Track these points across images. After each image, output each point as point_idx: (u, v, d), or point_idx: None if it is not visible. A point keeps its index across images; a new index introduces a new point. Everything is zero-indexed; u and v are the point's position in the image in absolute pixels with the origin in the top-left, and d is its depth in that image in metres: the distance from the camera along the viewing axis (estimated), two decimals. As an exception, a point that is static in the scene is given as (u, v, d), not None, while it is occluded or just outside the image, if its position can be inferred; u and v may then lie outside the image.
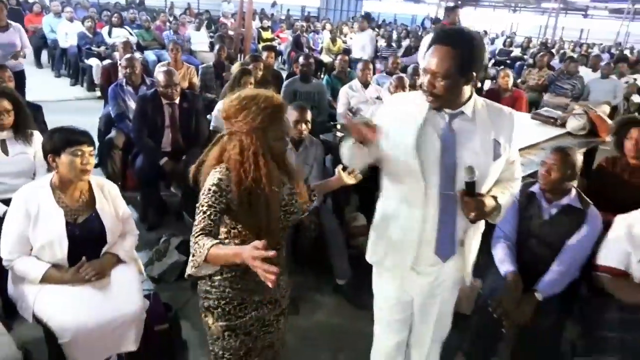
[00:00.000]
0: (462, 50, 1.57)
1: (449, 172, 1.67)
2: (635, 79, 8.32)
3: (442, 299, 1.91)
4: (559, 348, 2.36)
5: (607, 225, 2.38)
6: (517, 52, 13.55)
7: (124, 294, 2.15)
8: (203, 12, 15.78)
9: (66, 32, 8.04)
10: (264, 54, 5.48)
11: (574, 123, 3.78)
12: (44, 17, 8.97)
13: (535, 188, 2.51)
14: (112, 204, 2.26)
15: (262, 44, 9.66)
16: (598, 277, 2.29)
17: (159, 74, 3.61)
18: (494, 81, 8.62)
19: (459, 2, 31.10)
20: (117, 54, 5.97)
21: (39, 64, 9.12)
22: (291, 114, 3.02)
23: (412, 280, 1.87)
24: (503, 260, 2.38)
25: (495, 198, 1.70)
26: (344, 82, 5.35)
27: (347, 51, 9.43)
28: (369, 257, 1.96)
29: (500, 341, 2.37)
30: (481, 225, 1.86)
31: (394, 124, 1.69)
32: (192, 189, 1.72)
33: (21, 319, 2.14)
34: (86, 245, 2.15)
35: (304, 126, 3.08)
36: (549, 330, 2.24)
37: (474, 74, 1.61)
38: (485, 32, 16.93)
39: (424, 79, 1.64)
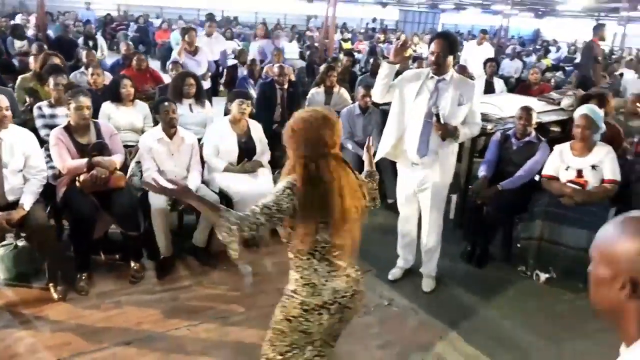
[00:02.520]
0: (447, 42, 3.19)
1: (430, 110, 3.26)
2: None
3: (431, 191, 3.38)
4: (512, 220, 3.88)
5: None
6: (579, 58, 14.44)
7: (264, 181, 3.96)
8: (291, 26, 17.99)
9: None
10: (344, 59, 7.29)
11: (566, 102, 5.20)
12: (172, 33, 11.31)
13: (510, 132, 4.07)
14: (258, 133, 4.10)
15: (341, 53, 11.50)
16: (542, 180, 3.80)
17: (275, 68, 5.47)
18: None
19: (540, 13, 31.50)
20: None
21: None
22: (360, 91, 4.77)
23: (412, 174, 3.42)
24: (482, 171, 3.96)
25: (456, 127, 3.26)
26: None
27: (415, 58, 11.03)
28: (378, 153, 3.37)
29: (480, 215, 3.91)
30: (453, 147, 3.37)
31: (407, 81, 3.30)
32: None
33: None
34: (247, 154, 4.00)
35: (367, 99, 4.80)
36: (506, 207, 3.79)
37: (452, 55, 3.22)
38: (548, 42, 17.77)
39: (430, 57, 3.23)
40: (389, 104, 4.06)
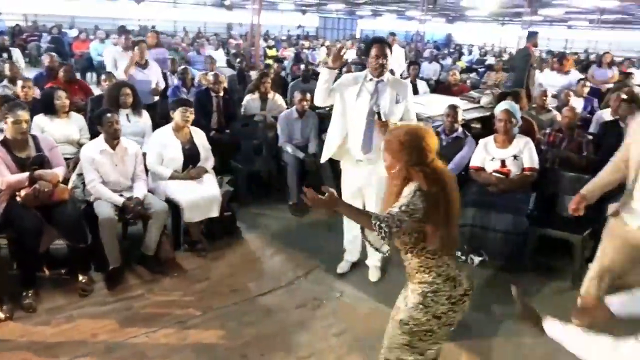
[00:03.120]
0: (386, 46, 3.42)
1: (372, 109, 3.49)
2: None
3: (375, 186, 3.65)
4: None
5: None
6: (491, 60, 15.49)
7: (211, 186, 4.03)
8: (213, 34, 17.91)
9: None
10: (275, 65, 7.44)
11: (485, 100, 5.67)
12: (91, 44, 10.96)
13: (440, 128, 4.39)
14: (202, 140, 4.15)
15: (267, 60, 11.66)
16: (470, 172, 4.14)
17: (210, 76, 5.52)
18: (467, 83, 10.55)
19: (450, 18, 33.24)
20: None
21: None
22: (296, 95, 4.95)
23: (357, 171, 3.65)
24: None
25: (395, 124, 3.50)
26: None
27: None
28: (324, 156, 3.62)
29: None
30: None
31: (346, 85, 3.50)
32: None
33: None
34: (190, 161, 4.04)
35: (304, 103, 4.98)
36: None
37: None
38: (460, 46, 18.89)
39: (373, 61, 3.43)
40: (323, 107, 4.28)
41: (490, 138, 4.13)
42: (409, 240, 2.02)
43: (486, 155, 4.08)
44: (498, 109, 4.05)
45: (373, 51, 3.39)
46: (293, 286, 3.70)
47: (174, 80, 7.04)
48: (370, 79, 3.44)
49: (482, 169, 4.08)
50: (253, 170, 5.12)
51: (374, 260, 3.80)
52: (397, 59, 7.50)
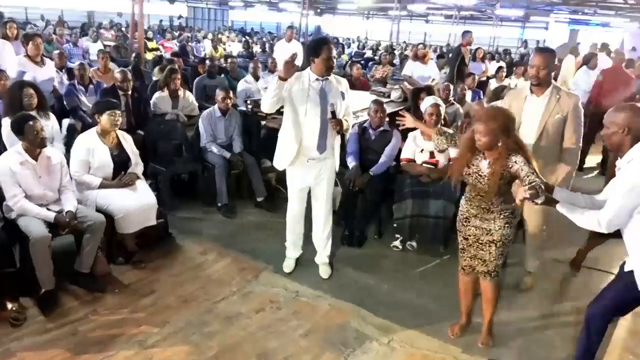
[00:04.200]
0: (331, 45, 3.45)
1: (324, 108, 3.51)
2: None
3: (326, 182, 3.74)
4: (391, 200, 4.37)
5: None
6: (369, 53, 16.22)
7: (145, 193, 3.78)
8: (97, 24, 16.37)
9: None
10: (176, 59, 7.10)
11: (395, 94, 5.98)
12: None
13: (366, 124, 4.55)
14: (130, 144, 3.86)
15: (148, 53, 11.02)
16: (402, 164, 4.36)
17: (117, 74, 5.12)
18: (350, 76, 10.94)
19: (319, 10, 34.05)
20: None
21: None
22: (219, 94, 4.80)
23: (308, 170, 3.68)
24: (351, 162, 4.38)
25: (345, 120, 3.58)
26: (236, 79, 7.22)
27: (227, 57, 11.16)
28: (282, 164, 3.62)
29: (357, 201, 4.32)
30: (338, 137, 3.72)
31: (295, 86, 3.47)
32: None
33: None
34: (121, 167, 3.75)
35: (228, 101, 4.85)
36: (379, 190, 4.28)
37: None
38: (337, 39, 19.52)
39: (327, 62, 3.41)
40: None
41: (418, 131, 4.37)
42: (508, 188, 2.71)
43: (416, 148, 4.32)
44: (427, 103, 4.29)
45: (326, 52, 3.38)
46: (245, 290, 3.62)
47: (63, 78, 6.42)
48: (317, 79, 3.46)
49: (413, 161, 4.31)
50: (176, 172, 4.87)
51: (323, 257, 3.86)
52: (298, 53, 7.53)
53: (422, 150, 4.28)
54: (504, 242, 2.90)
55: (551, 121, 3.32)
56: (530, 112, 3.37)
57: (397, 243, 4.26)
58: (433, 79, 7.32)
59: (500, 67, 9.25)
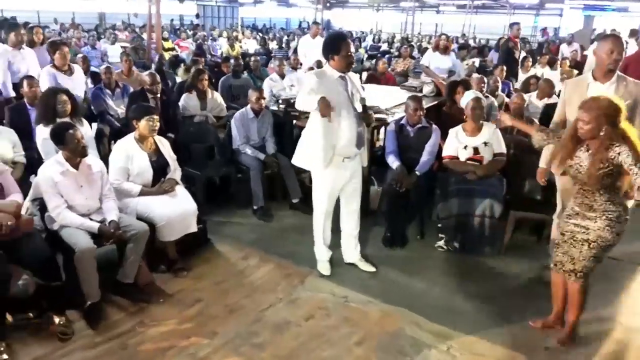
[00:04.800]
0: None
1: (351, 103, 3.41)
2: (473, 62, 10.87)
3: (359, 179, 3.64)
4: (432, 199, 4.24)
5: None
6: (384, 46, 16.04)
7: (185, 199, 3.68)
8: (112, 26, 16.37)
9: None
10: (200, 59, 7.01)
11: (427, 89, 5.83)
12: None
13: (403, 120, 4.42)
14: (168, 149, 3.77)
15: (165, 53, 10.95)
16: (444, 161, 4.22)
17: (146, 77, 5.02)
18: (369, 70, 10.78)
19: (328, 5, 33.83)
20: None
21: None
22: (252, 94, 4.69)
23: (343, 170, 3.57)
24: (393, 161, 4.24)
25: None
26: (260, 77, 7.12)
27: (244, 54, 11.07)
28: (320, 166, 3.47)
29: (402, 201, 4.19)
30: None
31: (322, 85, 3.34)
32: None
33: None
34: (159, 173, 3.65)
35: (262, 101, 4.74)
36: (424, 190, 4.15)
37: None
38: (351, 33, 19.35)
39: (348, 58, 3.36)
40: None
41: (460, 127, 4.23)
42: (612, 182, 2.67)
43: (459, 144, 4.18)
44: (467, 97, 4.15)
45: (345, 48, 3.37)
46: (292, 297, 3.51)
47: (87, 82, 6.34)
48: (340, 76, 3.40)
49: (456, 158, 4.17)
50: (209, 176, 4.77)
51: (358, 255, 3.86)
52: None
53: (465, 147, 4.14)
54: (599, 244, 2.77)
55: None
56: None
57: (441, 243, 4.13)
58: (452, 70, 7.13)
59: (525, 57, 9.06)
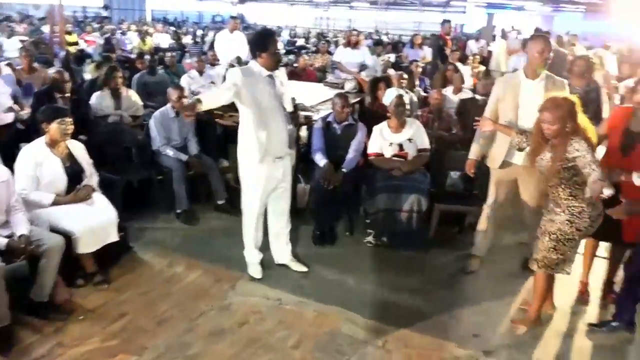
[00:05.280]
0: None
1: (279, 102, 3.35)
2: (389, 57, 11.13)
3: (290, 178, 3.61)
4: (359, 195, 4.26)
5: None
6: (300, 42, 16.04)
7: (104, 206, 3.45)
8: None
9: None
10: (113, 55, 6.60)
11: (349, 85, 5.89)
12: None
13: (330, 117, 4.41)
14: (82, 153, 3.50)
15: (69, 47, 10.26)
16: (370, 159, 4.26)
17: (54, 74, 4.65)
18: (288, 66, 10.73)
19: (242, -3, 33.24)
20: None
21: None
22: (173, 93, 4.52)
23: (275, 170, 3.51)
24: (320, 159, 4.22)
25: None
26: (176, 74, 6.86)
27: (157, 49, 10.61)
28: (253, 162, 3.40)
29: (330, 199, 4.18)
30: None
31: (247, 83, 3.25)
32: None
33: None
34: (74, 180, 3.39)
35: (183, 100, 4.53)
36: (350, 186, 4.17)
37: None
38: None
39: (276, 56, 3.30)
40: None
41: (384, 124, 4.29)
42: (570, 176, 2.81)
43: (383, 142, 4.23)
44: (390, 95, 4.22)
45: (273, 45, 3.34)
46: (224, 303, 3.40)
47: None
48: (269, 74, 3.33)
49: (382, 155, 4.22)
50: (128, 179, 4.51)
51: (289, 255, 3.81)
52: (242, 44, 7.25)
53: (390, 144, 4.20)
54: (558, 236, 2.91)
55: None
56: (529, 96, 3.39)
57: (370, 238, 4.18)
58: (364, 65, 7.23)
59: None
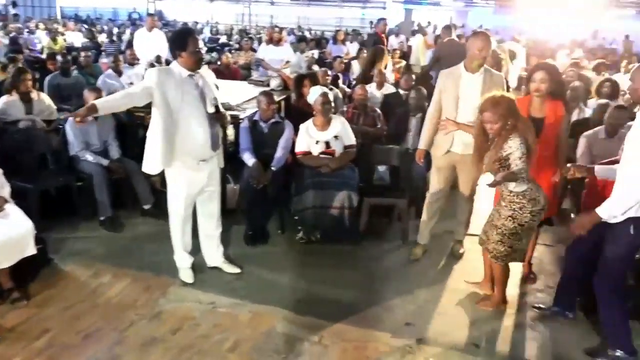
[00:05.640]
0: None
1: (201, 103, 3.25)
2: (312, 54, 11.20)
3: (218, 181, 3.53)
4: (289, 191, 4.26)
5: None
6: (223, 39, 15.79)
7: (18, 218, 3.24)
8: None
9: None
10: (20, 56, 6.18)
11: (274, 83, 5.87)
12: None
13: (256, 116, 4.38)
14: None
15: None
16: (298, 157, 4.27)
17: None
18: (211, 64, 10.53)
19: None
20: None
21: None
22: (89, 95, 4.27)
23: (200, 173, 3.43)
24: (249, 158, 4.19)
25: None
26: (92, 74, 6.54)
27: (70, 49, 10.09)
28: (156, 167, 3.30)
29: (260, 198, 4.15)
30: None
31: (165, 84, 3.15)
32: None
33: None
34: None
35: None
36: (280, 184, 4.17)
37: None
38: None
39: (196, 55, 3.21)
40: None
41: (310, 122, 4.31)
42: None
43: (310, 140, 4.26)
44: (315, 93, 4.24)
45: (193, 43, 3.22)
46: (155, 311, 3.29)
47: None
48: (189, 75, 3.24)
49: (309, 153, 4.25)
50: (44, 188, 4.25)
51: (221, 257, 3.75)
52: (162, 42, 7.02)
53: (317, 142, 4.23)
54: (503, 231, 3.08)
55: None
56: (469, 89, 3.61)
57: (301, 235, 4.20)
58: (288, 62, 7.26)
59: (360, 49, 9.57)
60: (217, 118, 3.34)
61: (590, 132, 4.22)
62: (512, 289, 3.61)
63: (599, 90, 5.77)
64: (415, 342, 3.09)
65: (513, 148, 2.88)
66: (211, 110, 3.32)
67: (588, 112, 5.26)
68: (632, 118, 4.68)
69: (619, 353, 2.82)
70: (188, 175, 3.38)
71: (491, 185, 2.98)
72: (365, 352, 3.00)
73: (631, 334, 2.86)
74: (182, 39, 3.22)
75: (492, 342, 3.14)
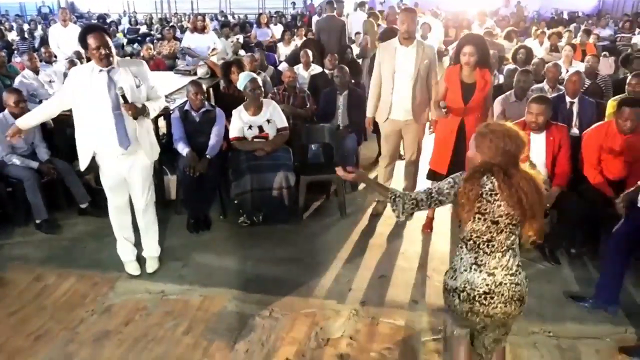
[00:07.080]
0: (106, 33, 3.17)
1: (114, 100, 3.18)
2: (238, 39, 11.13)
3: (140, 171, 3.43)
4: (227, 177, 4.35)
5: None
6: (143, 29, 15.30)
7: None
8: None
9: None
10: None
11: (201, 71, 5.88)
12: None
13: (186, 106, 4.43)
14: None
15: None
16: (233, 143, 4.36)
17: None
18: (133, 56, 10.27)
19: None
20: None
21: None
22: (9, 97, 4.15)
23: (119, 163, 3.37)
24: (183, 148, 4.24)
25: (143, 105, 3.26)
26: (7, 75, 6.28)
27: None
28: (83, 164, 3.32)
29: (198, 186, 4.22)
30: (147, 125, 3.43)
31: (75, 84, 3.16)
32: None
33: None
34: None
35: (23, 104, 4.22)
36: (217, 171, 4.26)
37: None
38: (104, 17, 18.06)
39: (95, 53, 3.08)
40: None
41: (242, 108, 4.40)
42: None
43: (243, 125, 4.35)
44: (245, 79, 4.32)
45: (92, 42, 3.06)
46: (105, 305, 3.33)
47: None
48: (100, 71, 3.16)
49: (243, 138, 4.35)
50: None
51: (152, 250, 3.74)
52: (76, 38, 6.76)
53: (250, 127, 4.33)
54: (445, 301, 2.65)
55: (422, 66, 4.02)
56: (404, 61, 4.01)
57: (243, 219, 4.32)
58: (214, 49, 7.24)
59: (285, 31, 9.66)
60: (124, 107, 3.15)
61: (502, 96, 4.57)
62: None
63: (515, 57, 6.18)
64: (360, 305, 3.32)
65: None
66: (117, 106, 3.18)
67: (502, 79, 5.64)
68: (538, 81, 5.14)
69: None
70: (108, 167, 3.39)
71: None
72: (315, 318, 3.19)
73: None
74: (82, 39, 3.12)
75: (429, 297, 3.42)
